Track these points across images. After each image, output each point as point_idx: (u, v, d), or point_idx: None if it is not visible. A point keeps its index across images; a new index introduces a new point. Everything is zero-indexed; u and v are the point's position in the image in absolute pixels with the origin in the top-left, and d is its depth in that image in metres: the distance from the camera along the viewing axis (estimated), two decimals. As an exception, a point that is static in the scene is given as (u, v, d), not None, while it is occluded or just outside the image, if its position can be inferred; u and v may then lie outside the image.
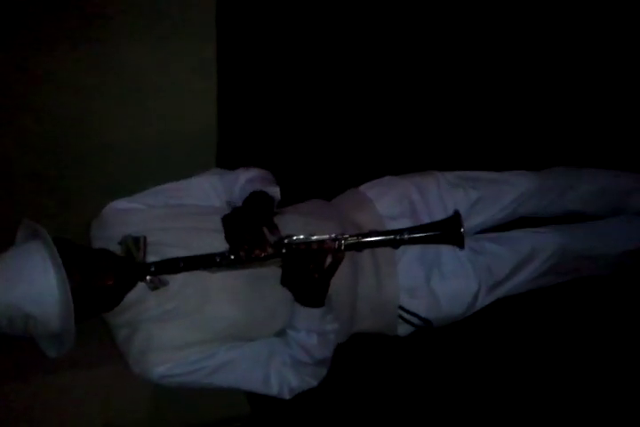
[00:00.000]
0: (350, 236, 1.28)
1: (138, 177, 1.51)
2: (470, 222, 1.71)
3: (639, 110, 2.19)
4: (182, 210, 1.45)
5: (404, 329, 1.63)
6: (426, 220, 1.58)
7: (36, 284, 1.17)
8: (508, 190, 1.74)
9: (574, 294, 1.91)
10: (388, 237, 1.29)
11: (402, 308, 1.58)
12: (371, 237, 1.29)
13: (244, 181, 1.47)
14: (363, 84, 2.15)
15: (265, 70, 2.05)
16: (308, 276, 1.29)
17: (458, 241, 1.28)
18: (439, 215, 1.60)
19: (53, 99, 1.84)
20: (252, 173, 1.51)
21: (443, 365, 1.90)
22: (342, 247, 1.27)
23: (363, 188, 1.72)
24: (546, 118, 2.21)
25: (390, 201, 1.65)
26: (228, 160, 1.86)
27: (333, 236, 1.27)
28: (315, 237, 1.27)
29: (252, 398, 1.88)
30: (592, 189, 1.82)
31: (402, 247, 1.54)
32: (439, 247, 1.61)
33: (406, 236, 1.28)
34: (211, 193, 1.49)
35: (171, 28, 1.83)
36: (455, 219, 1.28)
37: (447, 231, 1.30)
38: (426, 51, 2.14)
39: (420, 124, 2.20)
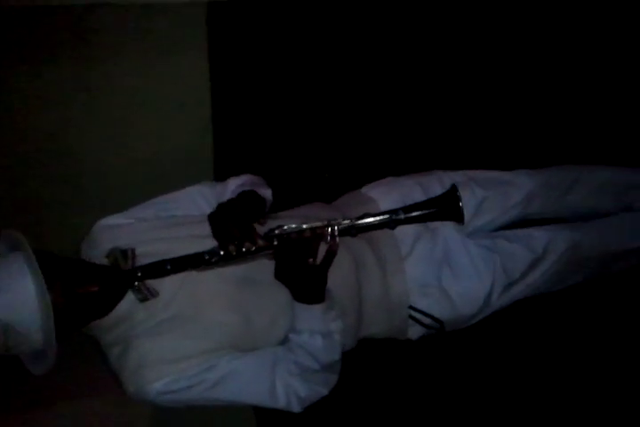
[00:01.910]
0: (343, 219, 1.22)
1: (133, 196, 1.47)
2: (478, 221, 1.66)
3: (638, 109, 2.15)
4: (174, 220, 1.41)
5: (415, 332, 1.55)
6: None
7: (13, 291, 1.11)
8: (514, 191, 1.69)
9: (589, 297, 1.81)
10: (383, 217, 1.22)
11: (413, 307, 1.50)
12: (365, 218, 1.23)
13: (234, 186, 1.43)
14: (361, 85, 2.11)
15: (259, 77, 2.03)
16: (302, 266, 1.22)
17: (457, 216, 1.21)
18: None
19: (41, 117, 1.84)
20: (243, 178, 1.47)
21: (454, 371, 1.77)
22: (336, 233, 1.20)
23: (364, 189, 1.67)
24: (546, 117, 2.17)
25: (393, 200, 1.58)
26: (225, 173, 1.83)
27: (326, 222, 1.21)
28: (306, 225, 1.21)
29: (260, 417, 1.74)
30: (595, 183, 1.76)
31: (408, 246, 1.53)
32: (447, 245, 1.56)
33: (402, 215, 1.22)
34: (201, 202, 1.45)
35: (162, 44, 1.85)
36: (452, 193, 1.21)
37: (445, 207, 1.22)
38: (426, 50, 2.11)
39: (421, 125, 2.16)
